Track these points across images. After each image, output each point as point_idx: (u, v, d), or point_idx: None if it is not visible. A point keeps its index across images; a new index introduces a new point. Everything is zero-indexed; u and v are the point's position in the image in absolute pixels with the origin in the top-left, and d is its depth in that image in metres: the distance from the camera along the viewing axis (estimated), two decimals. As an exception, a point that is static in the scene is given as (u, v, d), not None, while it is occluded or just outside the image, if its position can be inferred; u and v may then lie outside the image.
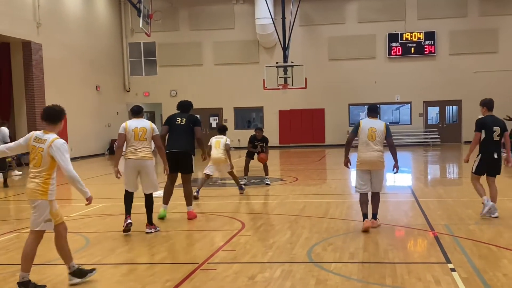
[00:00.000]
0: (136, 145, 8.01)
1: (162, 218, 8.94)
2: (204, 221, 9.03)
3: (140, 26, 25.67)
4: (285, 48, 25.40)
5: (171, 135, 8.98)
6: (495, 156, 8.52)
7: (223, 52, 30.20)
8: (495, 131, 8.51)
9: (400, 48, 29.18)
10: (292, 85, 24.31)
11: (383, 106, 29.67)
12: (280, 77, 24.10)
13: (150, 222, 8.12)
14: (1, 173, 15.10)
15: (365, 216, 7.87)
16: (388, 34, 29.18)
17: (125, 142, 8.11)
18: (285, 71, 24.11)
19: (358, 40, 29.36)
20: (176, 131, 8.93)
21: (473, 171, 8.74)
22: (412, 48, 29.10)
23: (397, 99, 29.78)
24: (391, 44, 29.24)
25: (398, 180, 13.82)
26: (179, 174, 9.10)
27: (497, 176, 8.72)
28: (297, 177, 15.43)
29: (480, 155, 8.64)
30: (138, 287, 5.48)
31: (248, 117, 31.80)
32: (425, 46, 29.01)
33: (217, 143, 11.58)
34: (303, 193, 12.39)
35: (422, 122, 29.93)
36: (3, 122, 16.74)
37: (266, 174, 13.49)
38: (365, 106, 29.18)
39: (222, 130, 12.14)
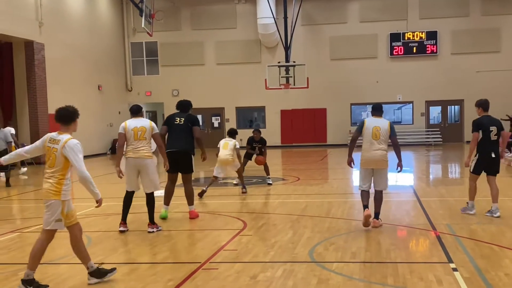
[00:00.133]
0: (135, 144, 8.04)
1: (164, 218, 8.95)
2: (206, 221, 9.03)
3: (142, 25, 25.70)
4: (287, 48, 25.39)
5: (170, 135, 8.99)
6: (493, 155, 8.58)
7: (225, 51, 30.20)
8: (492, 130, 8.56)
9: (402, 47, 29.17)
10: (294, 85, 24.30)
11: (385, 106, 28.96)
12: (282, 77, 24.11)
13: (152, 222, 8.12)
14: (3, 173, 15.12)
15: (365, 206, 7.91)
16: (390, 33, 29.17)
17: (125, 142, 8.14)
18: (287, 71, 24.11)
19: (360, 40, 29.34)
20: (175, 131, 8.93)
21: (471, 170, 8.79)
22: (414, 48, 29.08)
23: (399, 98, 29.76)
24: (393, 44, 29.23)
25: (400, 180, 13.81)
26: (180, 174, 9.10)
27: (498, 176, 8.75)
28: (299, 176, 15.42)
29: (477, 154, 8.69)
30: (140, 287, 5.49)
31: (250, 116, 31.81)
32: (427, 46, 28.99)
33: (225, 145, 11.73)
34: (305, 193, 12.39)
35: (424, 122, 29.90)
36: (7, 123, 16.79)
37: (267, 174, 13.49)
38: (367, 105, 29.32)
39: (232, 133, 12.24)
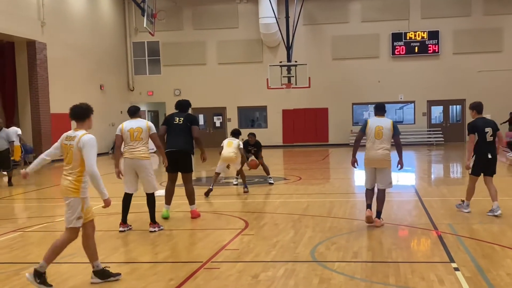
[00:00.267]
0: (132, 145, 8.11)
1: (165, 218, 8.96)
2: (208, 220, 9.04)
3: (144, 25, 25.68)
4: (288, 47, 25.38)
5: (169, 135, 8.99)
6: (489, 156, 8.67)
7: (226, 51, 30.21)
8: (487, 132, 8.66)
9: (403, 47, 29.13)
10: (296, 85, 24.28)
11: (387, 106, 29.33)
12: (283, 76, 24.08)
13: (153, 221, 8.14)
14: (6, 172, 15.15)
15: (368, 206, 8.00)
16: (392, 33, 29.13)
17: (123, 143, 8.22)
18: (289, 70, 24.10)
19: (361, 39, 29.31)
20: (174, 131, 8.93)
21: (470, 172, 8.88)
22: (416, 47, 29.04)
23: (401, 98, 29.73)
24: (395, 43, 29.19)
25: (402, 180, 13.81)
26: (180, 174, 9.12)
27: (499, 176, 8.78)
28: (300, 176, 15.42)
29: (474, 156, 8.77)
30: (141, 286, 5.49)
31: (251, 116, 31.82)
32: (429, 46, 28.95)
33: (229, 143, 11.92)
34: (306, 192, 12.40)
35: (425, 122, 29.87)
36: (12, 122, 16.80)
37: (267, 174, 13.50)
38: (369, 105, 29.31)
39: (236, 134, 12.48)
